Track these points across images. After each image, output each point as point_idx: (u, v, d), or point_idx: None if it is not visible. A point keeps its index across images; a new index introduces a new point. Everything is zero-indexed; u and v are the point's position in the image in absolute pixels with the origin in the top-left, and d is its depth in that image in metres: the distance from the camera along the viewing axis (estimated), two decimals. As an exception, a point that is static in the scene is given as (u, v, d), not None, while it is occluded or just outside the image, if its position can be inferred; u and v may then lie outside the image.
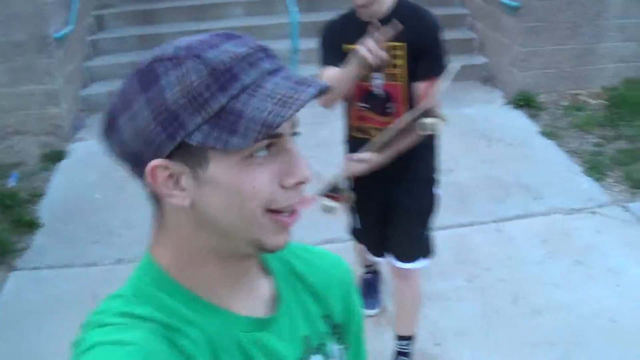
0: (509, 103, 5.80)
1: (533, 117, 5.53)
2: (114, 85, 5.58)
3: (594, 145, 5.03)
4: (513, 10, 5.68)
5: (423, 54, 2.37)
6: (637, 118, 5.27)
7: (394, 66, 2.41)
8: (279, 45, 6.12)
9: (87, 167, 4.93)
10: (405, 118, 2.33)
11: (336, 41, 2.47)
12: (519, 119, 5.55)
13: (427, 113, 2.26)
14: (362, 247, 3.08)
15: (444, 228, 3.69)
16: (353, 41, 2.30)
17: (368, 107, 2.51)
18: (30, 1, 5.08)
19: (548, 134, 5.22)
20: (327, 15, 2.67)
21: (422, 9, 2.46)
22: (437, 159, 2.73)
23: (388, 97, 2.47)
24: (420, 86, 2.37)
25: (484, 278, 3.59)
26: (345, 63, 2.32)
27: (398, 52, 2.38)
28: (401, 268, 2.77)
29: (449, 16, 6.57)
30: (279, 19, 6.50)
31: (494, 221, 4.09)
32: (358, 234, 3.00)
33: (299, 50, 5.83)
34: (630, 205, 4.27)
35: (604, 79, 5.83)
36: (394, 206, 2.69)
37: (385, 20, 2.31)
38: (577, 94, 5.75)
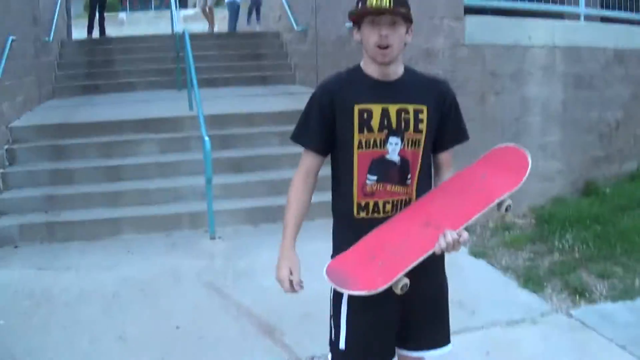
0: (432, 225, 5.49)
1: (458, 238, 5.22)
2: (25, 219, 5.38)
3: (527, 260, 4.74)
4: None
5: (446, 120, 2.16)
6: (568, 232, 5.04)
7: (418, 131, 2.09)
8: (193, 181, 5.87)
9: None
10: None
11: (339, 102, 2.07)
12: (444, 240, 5.22)
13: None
14: None
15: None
16: (366, 101, 2.05)
17: (376, 178, 2.08)
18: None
19: (477, 253, 4.92)
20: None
21: (431, 74, 2.27)
22: None
23: (406, 165, 2.10)
24: (445, 156, 2.22)
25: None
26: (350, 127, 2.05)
27: (422, 116, 2.09)
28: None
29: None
30: (192, 155, 6.25)
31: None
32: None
33: (212, 184, 5.43)
34: (574, 312, 3.91)
35: (530, 198, 5.65)
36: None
37: (398, 82, 2.09)
38: (503, 215, 5.53)
